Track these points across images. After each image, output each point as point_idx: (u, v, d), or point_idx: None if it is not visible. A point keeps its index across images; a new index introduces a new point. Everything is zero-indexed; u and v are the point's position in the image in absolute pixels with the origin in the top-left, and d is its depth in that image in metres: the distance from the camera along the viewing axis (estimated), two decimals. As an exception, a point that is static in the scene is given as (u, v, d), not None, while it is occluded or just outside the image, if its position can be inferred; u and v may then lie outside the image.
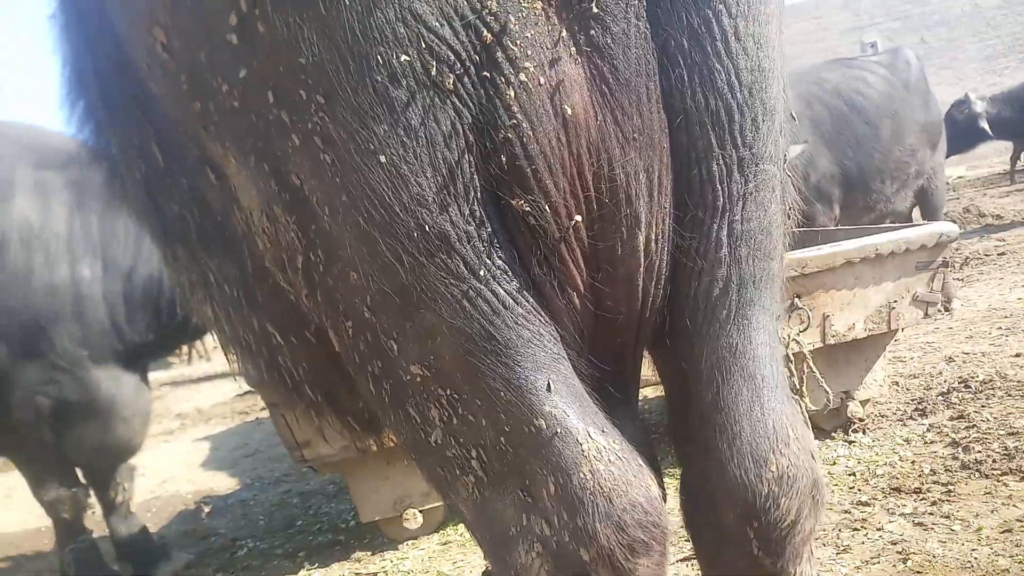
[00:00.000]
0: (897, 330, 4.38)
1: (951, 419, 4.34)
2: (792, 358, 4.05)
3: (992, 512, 3.10)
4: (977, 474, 3.50)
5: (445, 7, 1.08)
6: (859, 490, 3.63)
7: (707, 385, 1.33)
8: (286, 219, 1.26)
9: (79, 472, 4.42)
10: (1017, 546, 2.80)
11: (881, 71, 6.71)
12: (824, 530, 3.27)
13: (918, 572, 2.76)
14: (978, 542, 2.88)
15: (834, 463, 4.07)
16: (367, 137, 1.10)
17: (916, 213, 7.56)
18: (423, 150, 1.11)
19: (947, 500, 3.30)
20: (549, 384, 1.21)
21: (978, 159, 19.12)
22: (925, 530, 3.08)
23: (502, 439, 1.23)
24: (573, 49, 1.16)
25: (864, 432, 4.43)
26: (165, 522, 5.92)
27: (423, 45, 1.08)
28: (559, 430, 1.21)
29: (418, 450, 1.34)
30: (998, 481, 3.38)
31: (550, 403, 1.21)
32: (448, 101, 1.11)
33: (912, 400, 4.81)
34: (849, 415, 4.44)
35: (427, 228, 1.14)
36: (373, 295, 1.20)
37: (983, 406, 4.42)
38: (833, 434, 4.46)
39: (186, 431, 9.37)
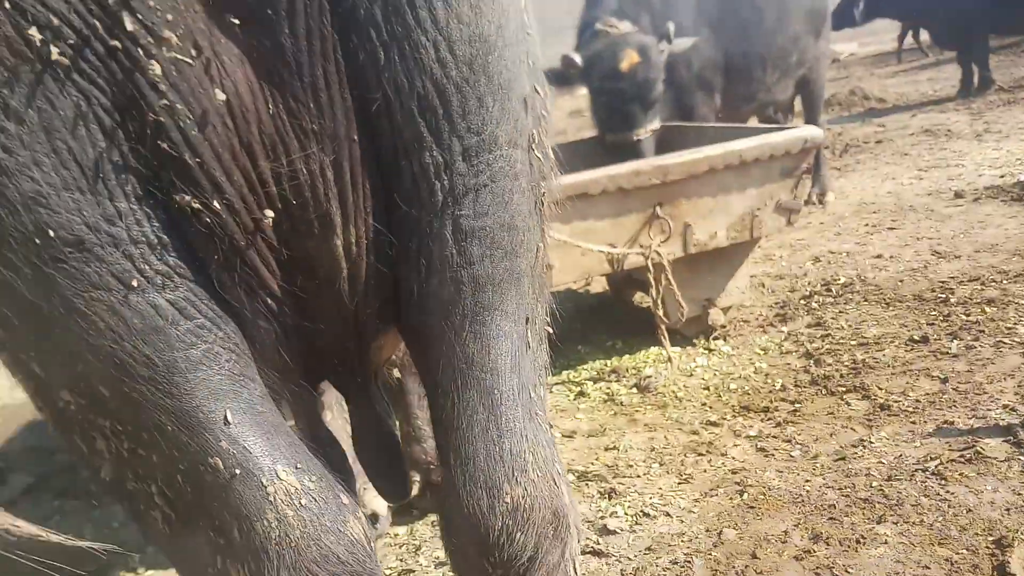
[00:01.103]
0: (760, 238, 4.31)
1: (809, 326, 4.36)
2: (652, 268, 3.95)
3: (831, 436, 3.11)
4: (824, 391, 3.51)
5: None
6: (710, 407, 3.61)
7: (444, 399, 1.14)
8: None
9: None
10: (847, 476, 2.80)
11: (767, -46, 6.40)
12: (669, 455, 3.24)
13: (752, 507, 2.74)
14: (812, 472, 2.88)
15: (691, 374, 4.05)
16: None
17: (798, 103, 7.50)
18: (34, 138, 0.83)
19: (792, 421, 3.30)
20: (226, 415, 0.99)
21: (871, 35, 19.33)
22: (766, 456, 3.07)
23: (179, 477, 1.01)
24: (228, 16, 0.87)
25: (725, 339, 4.41)
26: (10, 435, 5.56)
27: (8, 5, 0.78)
28: (239, 471, 1.01)
29: (96, 481, 1.12)
30: (841, 399, 3.40)
31: (227, 438, 1.00)
32: (67, 78, 0.83)
33: (776, 304, 4.82)
34: (711, 323, 4.41)
35: (51, 232, 0.87)
36: None
37: (840, 312, 4.45)
38: (694, 340, 4.43)
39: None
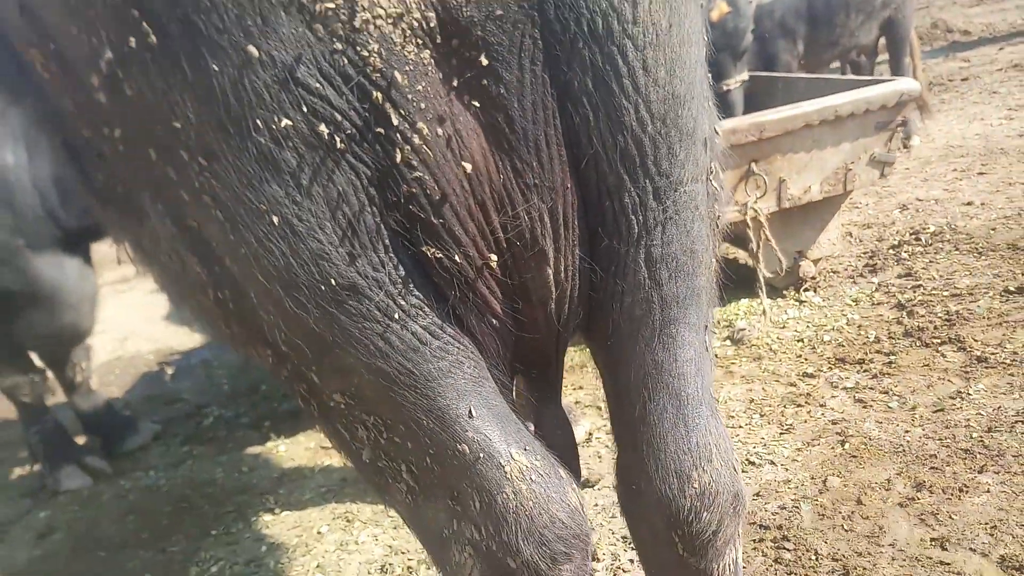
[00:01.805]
0: (852, 191, 4.36)
1: (899, 276, 4.42)
2: (750, 224, 4.05)
3: (928, 388, 3.22)
4: (918, 343, 3.61)
5: (325, 68, 0.96)
6: (806, 359, 3.74)
7: (634, 400, 1.33)
8: (190, 257, 1.18)
9: (35, 356, 4.39)
10: (946, 427, 2.92)
11: None
12: (769, 406, 3.39)
13: (854, 456, 2.89)
14: (911, 423, 3.01)
15: (784, 326, 4.17)
16: (256, 198, 1.01)
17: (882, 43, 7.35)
18: (319, 208, 1.03)
19: (888, 373, 3.41)
20: (471, 410, 1.20)
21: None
22: (864, 407, 3.20)
23: (427, 460, 1.23)
24: (467, 99, 1.05)
25: (815, 291, 4.51)
26: (129, 386, 5.99)
27: (305, 108, 0.98)
28: (482, 454, 1.21)
29: (351, 459, 1.34)
30: (936, 351, 3.49)
31: (472, 428, 1.20)
32: (342, 160, 1.02)
33: (864, 254, 4.87)
34: (801, 275, 4.50)
35: (332, 280, 1.08)
36: (286, 336, 1.15)
37: (931, 262, 4.49)
38: (785, 292, 4.53)
39: (144, 278, 9.30)
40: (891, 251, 4.79)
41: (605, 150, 1.12)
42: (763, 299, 4.16)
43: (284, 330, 1.13)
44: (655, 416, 1.32)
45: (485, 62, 1.03)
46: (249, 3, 0.92)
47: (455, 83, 1.04)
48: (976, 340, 3.48)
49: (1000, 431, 2.82)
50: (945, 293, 4.04)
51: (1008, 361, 3.25)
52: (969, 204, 5.18)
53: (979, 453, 2.74)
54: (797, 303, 4.41)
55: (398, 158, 1.02)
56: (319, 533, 3.25)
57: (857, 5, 6.38)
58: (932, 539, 2.39)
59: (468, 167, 1.06)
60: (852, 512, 2.60)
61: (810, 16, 6.26)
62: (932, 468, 2.72)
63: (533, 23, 1.04)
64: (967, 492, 2.55)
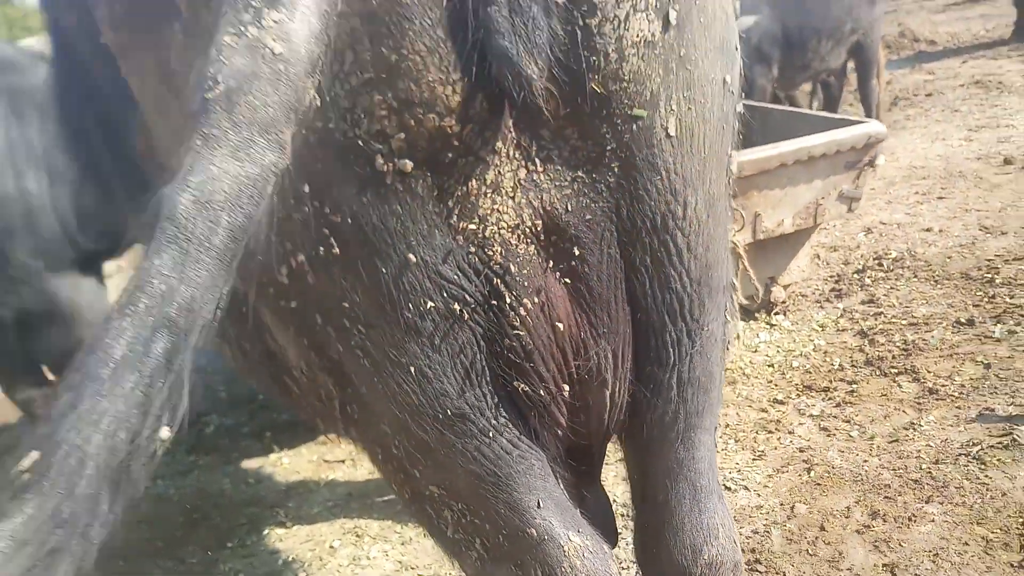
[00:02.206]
0: (821, 223, 4.69)
1: (862, 302, 4.77)
2: (724, 255, 4.37)
3: (885, 418, 3.57)
4: (878, 372, 3.96)
5: (462, 264, 1.27)
6: (776, 385, 4.08)
7: (659, 489, 1.66)
8: (323, 377, 1.49)
9: (47, 369, 4.60)
10: (900, 458, 3.27)
11: (828, -77, 6.57)
12: (743, 431, 3.73)
13: (818, 484, 3.23)
14: (869, 452, 3.35)
15: (755, 350, 4.50)
16: (399, 354, 1.32)
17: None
18: (444, 359, 1.34)
19: (849, 402, 3.76)
20: (538, 502, 1.51)
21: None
22: (828, 436, 3.55)
23: (500, 538, 1.55)
24: (558, 276, 1.36)
25: (785, 314, 4.85)
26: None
27: (445, 293, 1.29)
28: (546, 536, 1.52)
29: (431, 530, 1.66)
30: (894, 381, 3.84)
31: (539, 516, 1.51)
32: (465, 326, 1.33)
33: (831, 277, 5.22)
34: (772, 299, 4.83)
35: (448, 410, 1.39)
36: (402, 445, 1.45)
37: (892, 288, 4.85)
38: (756, 315, 4.86)
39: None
40: (855, 275, 5.15)
41: (655, 305, 1.44)
42: (737, 324, 4.49)
43: (403, 441, 1.44)
44: (675, 502, 1.65)
45: (576, 251, 1.35)
46: (412, 223, 1.22)
47: (551, 265, 1.36)
48: (929, 371, 3.83)
49: (946, 463, 3.18)
50: (903, 322, 4.40)
51: (956, 394, 3.61)
52: (928, 230, 5.55)
53: (927, 484, 3.09)
54: (768, 326, 4.75)
55: (506, 323, 1.33)
56: (331, 548, 3.53)
57: (828, 32, 6.71)
58: (884, 565, 2.74)
59: (558, 326, 1.37)
60: (816, 538, 2.94)
61: (785, 42, 6.57)
62: (886, 497, 3.06)
63: (611, 221, 1.35)
64: (915, 521, 2.90)
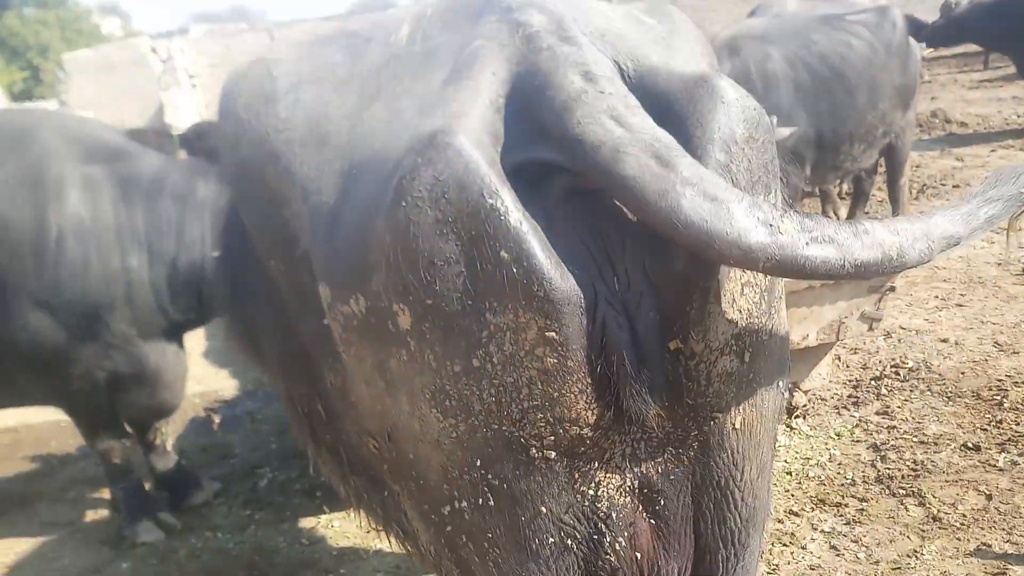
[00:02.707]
0: (843, 339, 5.07)
1: (877, 413, 5.13)
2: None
3: (891, 542, 3.93)
4: (887, 491, 4.32)
5: (578, 513, 1.67)
6: (792, 495, 4.44)
7: None
8: (447, 564, 1.87)
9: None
10: (902, 586, 3.64)
11: (866, 35, 6.93)
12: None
13: (826, 604, 3.60)
14: (874, 577, 3.72)
15: (775, 455, 4.86)
16: (520, 570, 1.71)
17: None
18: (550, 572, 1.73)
19: (859, 521, 4.12)
20: None
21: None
22: (838, 555, 3.91)
23: None
24: (645, 516, 1.77)
25: (804, 418, 5.21)
26: (181, 431, 6.63)
27: (562, 533, 1.69)
28: None
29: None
30: (901, 503, 4.20)
31: None
32: (572, 553, 1.72)
33: (849, 382, 5.59)
34: (793, 404, 5.21)
35: None
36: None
37: (906, 400, 5.21)
38: (778, 416, 5.22)
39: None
40: (872, 382, 5.51)
41: (714, 536, 1.83)
42: (760, 430, 4.85)
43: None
44: None
45: (661, 501, 1.74)
46: (547, 488, 1.62)
47: (641, 510, 1.75)
48: (935, 496, 4.19)
49: (943, 595, 3.53)
50: (915, 439, 4.76)
51: (957, 524, 3.96)
52: (944, 341, 5.90)
53: (925, 615, 3.44)
54: (788, 430, 5.12)
55: (602, 551, 1.73)
56: (382, 621, 3.93)
57: (861, 136, 7.08)
58: None
59: (639, 554, 1.76)
60: (821, 658, 3.30)
61: (818, 144, 6.94)
62: (887, 624, 3.42)
63: (688, 480, 1.75)
64: (912, 652, 3.26)
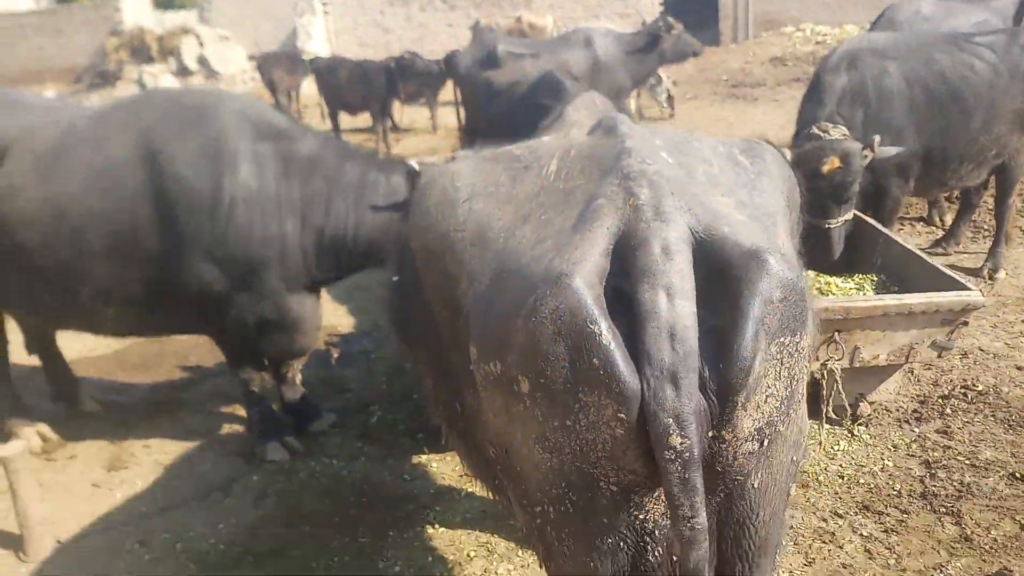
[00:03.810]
0: (913, 362, 5.43)
1: (937, 431, 5.50)
2: (826, 375, 5.19)
3: (921, 554, 4.39)
4: (928, 508, 4.74)
5: (631, 528, 2.21)
6: (840, 498, 4.92)
7: None
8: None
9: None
10: (922, 595, 4.11)
11: (991, 57, 6.97)
12: (803, 535, 4.61)
13: (850, 601, 4.12)
14: (899, 583, 4.20)
15: (833, 457, 5.33)
16: (585, 551, 2.28)
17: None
18: (607, 566, 2.29)
19: (896, 531, 4.58)
20: None
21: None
22: (870, 559, 4.39)
23: None
24: None
25: (867, 426, 5.63)
26: (304, 364, 7.51)
27: (619, 538, 2.23)
28: None
29: None
30: (939, 520, 4.63)
31: None
32: (623, 550, 2.25)
33: (916, 396, 5.94)
34: (859, 412, 5.62)
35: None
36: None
37: (967, 423, 5.55)
38: (842, 421, 5.66)
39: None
40: (939, 400, 5.84)
41: (733, 555, 2.34)
42: (822, 433, 5.33)
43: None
44: None
45: None
46: (613, 512, 2.20)
47: None
48: (972, 519, 4.60)
49: (957, 608, 4.00)
50: (966, 462, 5.13)
51: (987, 547, 4.38)
52: (1020, 369, 6.15)
53: (937, 622, 3.92)
54: (849, 435, 5.55)
55: (648, 555, 2.26)
56: (469, 556, 4.67)
57: (972, 156, 7.19)
58: None
59: (672, 558, 2.29)
60: (836, 645, 3.84)
61: (926, 160, 7.10)
62: (901, 625, 3.93)
63: (714, 514, 2.27)
64: (917, 652, 3.76)
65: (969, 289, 5.20)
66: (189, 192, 5.02)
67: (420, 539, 4.90)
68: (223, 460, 6.02)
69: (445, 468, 5.65)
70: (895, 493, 4.93)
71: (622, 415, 2.02)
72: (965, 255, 8.51)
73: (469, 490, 5.35)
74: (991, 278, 7.77)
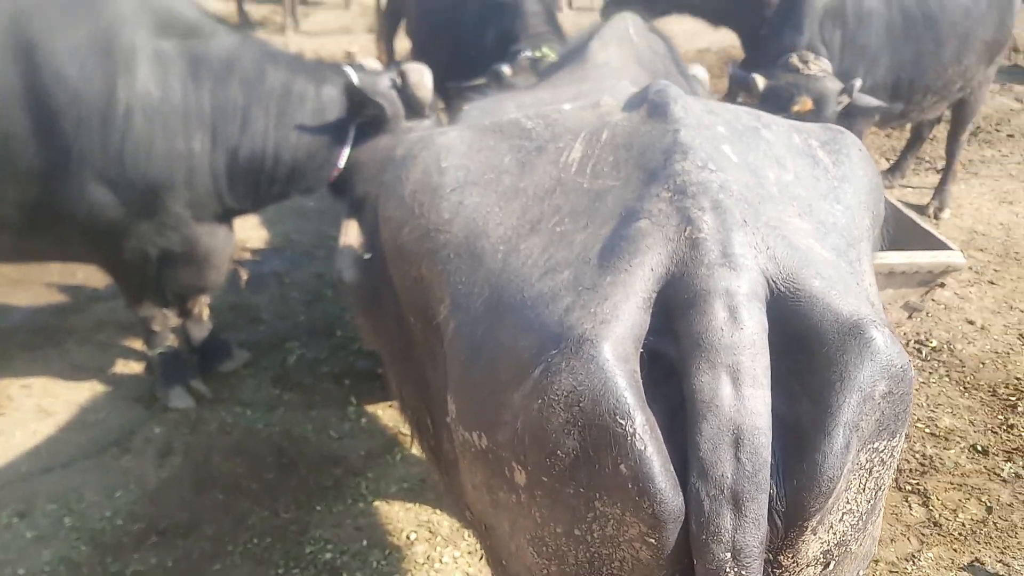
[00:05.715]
0: (881, 323, 5.12)
1: (895, 393, 5.28)
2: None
3: (892, 541, 4.18)
4: (894, 485, 4.53)
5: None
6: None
7: None
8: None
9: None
10: (896, 591, 3.91)
11: (971, -18, 6.54)
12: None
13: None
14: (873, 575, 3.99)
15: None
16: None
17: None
18: None
19: (864, 513, 4.35)
20: None
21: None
22: (840, 546, 4.15)
23: None
24: None
25: (823, 384, 5.36)
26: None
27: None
28: None
29: None
30: (906, 500, 4.43)
31: None
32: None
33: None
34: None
35: None
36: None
37: (924, 383, 5.36)
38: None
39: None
40: (895, 357, 5.62)
41: None
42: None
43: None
44: None
45: None
46: None
47: None
48: (938, 499, 4.41)
49: (932, 607, 3.82)
50: (927, 431, 4.94)
51: (956, 533, 4.21)
52: (971, 323, 5.99)
53: (913, 624, 3.74)
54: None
55: None
56: (408, 539, 4.19)
57: (937, 89, 6.82)
58: None
59: None
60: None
61: (893, 92, 6.69)
62: (876, 627, 3.72)
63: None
64: (896, 661, 3.56)
65: (951, 249, 4.88)
66: (74, 97, 4.05)
67: (351, 515, 4.37)
68: (119, 407, 5.26)
69: (376, 425, 5.10)
70: (858, 466, 4.69)
71: (652, 539, 1.48)
72: (909, 189, 8.29)
73: (405, 453, 4.83)
74: (936, 217, 7.58)
